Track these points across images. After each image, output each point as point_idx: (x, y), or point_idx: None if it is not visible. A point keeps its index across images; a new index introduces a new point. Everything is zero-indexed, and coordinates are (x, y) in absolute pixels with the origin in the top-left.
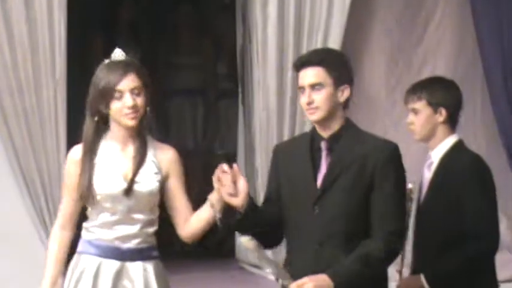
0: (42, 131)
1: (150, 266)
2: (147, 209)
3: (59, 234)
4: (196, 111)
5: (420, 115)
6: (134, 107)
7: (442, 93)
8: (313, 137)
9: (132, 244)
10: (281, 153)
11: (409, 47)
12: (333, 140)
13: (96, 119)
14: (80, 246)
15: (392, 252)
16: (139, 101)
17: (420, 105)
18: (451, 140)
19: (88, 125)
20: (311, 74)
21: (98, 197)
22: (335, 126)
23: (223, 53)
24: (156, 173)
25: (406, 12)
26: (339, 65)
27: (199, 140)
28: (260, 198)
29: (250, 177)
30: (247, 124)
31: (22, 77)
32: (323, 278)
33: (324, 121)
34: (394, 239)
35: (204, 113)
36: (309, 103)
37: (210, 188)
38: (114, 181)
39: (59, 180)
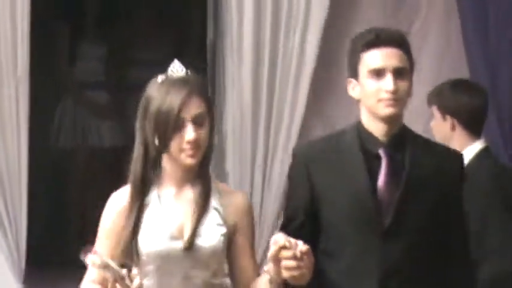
0: (3, 133)
1: None
2: (208, 271)
3: None
4: None
5: (434, 120)
6: (196, 142)
7: (450, 100)
8: (362, 140)
9: None
10: (314, 161)
11: None
12: (395, 145)
13: (150, 153)
14: None
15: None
16: (203, 132)
17: (433, 109)
18: (473, 148)
19: (138, 161)
20: (396, 56)
21: (143, 257)
22: (397, 127)
23: (189, 47)
24: (219, 225)
25: (389, 8)
26: (411, 54)
27: None
28: None
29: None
30: (217, 125)
31: None
32: None
33: (396, 119)
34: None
35: None
36: (395, 91)
37: None
38: (166, 236)
39: (19, 186)
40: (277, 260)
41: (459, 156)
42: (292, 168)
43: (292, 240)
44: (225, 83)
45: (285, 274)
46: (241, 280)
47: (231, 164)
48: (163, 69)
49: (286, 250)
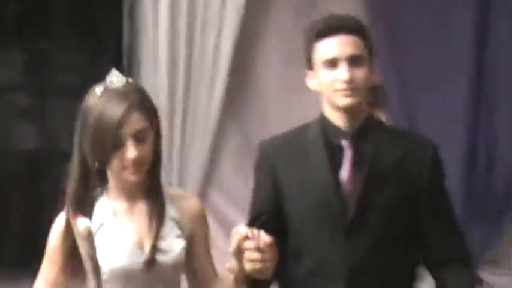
0: None
1: None
2: (169, 285)
3: None
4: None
5: None
6: (138, 160)
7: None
8: (326, 132)
9: None
10: (278, 155)
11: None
12: (359, 136)
13: (90, 170)
14: None
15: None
16: (145, 148)
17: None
18: None
19: (74, 180)
20: (350, 44)
21: (104, 276)
22: (361, 117)
23: (106, 52)
24: (178, 237)
25: (302, 12)
26: (371, 38)
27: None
28: None
29: None
30: None
31: None
32: None
33: (356, 108)
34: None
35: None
36: (350, 81)
37: None
38: (124, 252)
39: None
40: (239, 252)
41: (431, 145)
42: (257, 163)
43: (255, 231)
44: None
45: (248, 266)
46: (202, 285)
47: None
48: (81, 72)
49: (249, 241)
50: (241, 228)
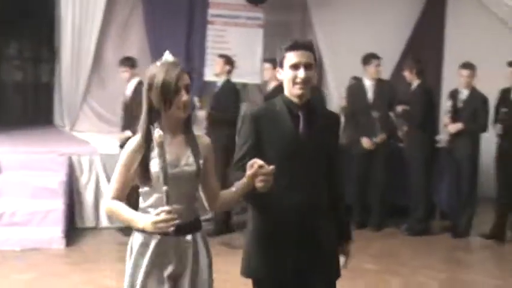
0: None
1: (198, 236)
2: (193, 186)
3: (112, 201)
4: None
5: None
6: (187, 102)
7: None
8: (287, 106)
9: (183, 219)
10: (259, 118)
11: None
12: (307, 109)
13: (153, 114)
14: None
15: None
16: (190, 97)
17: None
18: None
19: (144, 121)
20: (306, 55)
21: (154, 177)
22: (306, 98)
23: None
24: (200, 158)
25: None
26: (316, 54)
27: None
28: None
29: None
30: None
31: None
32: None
33: (304, 95)
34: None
35: None
36: (305, 78)
37: None
38: (168, 164)
39: None
40: (254, 175)
41: (336, 114)
42: (243, 124)
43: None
44: None
45: (259, 184)
46: (208, 193)
47: None
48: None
49: (262, 169)
50: (259, 161)
